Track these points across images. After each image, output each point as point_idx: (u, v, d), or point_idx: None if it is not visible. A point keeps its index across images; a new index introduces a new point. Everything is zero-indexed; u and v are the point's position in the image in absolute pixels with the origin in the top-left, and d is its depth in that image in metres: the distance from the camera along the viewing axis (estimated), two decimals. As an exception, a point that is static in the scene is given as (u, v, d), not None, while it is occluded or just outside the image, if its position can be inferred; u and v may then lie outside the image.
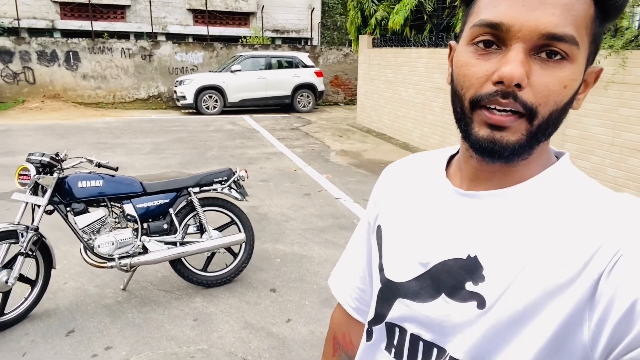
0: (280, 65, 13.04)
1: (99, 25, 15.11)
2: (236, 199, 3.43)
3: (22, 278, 2.88)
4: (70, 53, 12.79)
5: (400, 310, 0.67)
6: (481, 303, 0.58)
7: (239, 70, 12.30)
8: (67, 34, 14.98)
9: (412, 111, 8.53)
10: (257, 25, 18.77)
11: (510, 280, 0.56)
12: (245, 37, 16.33)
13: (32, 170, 2.84)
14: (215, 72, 12.63)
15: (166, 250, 3.15)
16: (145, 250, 3.15)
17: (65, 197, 2.99)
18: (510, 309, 0.55)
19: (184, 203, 3.32)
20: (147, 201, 3.17)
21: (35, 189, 2.92)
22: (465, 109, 0.58)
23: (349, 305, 0.84)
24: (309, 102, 13.15)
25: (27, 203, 2.92)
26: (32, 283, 2.97)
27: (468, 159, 0.64)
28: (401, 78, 8.89)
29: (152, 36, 14.95)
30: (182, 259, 3.25)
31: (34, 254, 2.89)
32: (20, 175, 2.87)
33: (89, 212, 3.07)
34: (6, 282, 2.77)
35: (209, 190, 3.35)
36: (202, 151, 7.87)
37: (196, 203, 3.29)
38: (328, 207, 5.18)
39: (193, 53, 14.02)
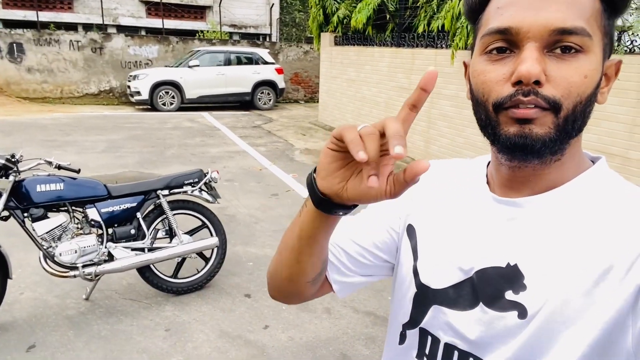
0: (239, 62, 12.79)
1: (45, 16, 14.30)
2: (207, 201, 3.29)
3: (-27, 291, 2.64)
4: (14, 44, 12.02)
5: (436, 317, 0.66)
6: (522, 313, 0.57)
7: (197, 65, 11.98)
8: (10, 24, 14.05)
9: (374, 110, 8.58)
10: (214, 19, 18.35)
11: (552, 288, 0.55)
12: (202, 31, 15.93)
13: (-15, 174, 2.60)
14: (172, 67, 12.23)
15: (133, 257, 2.98)
16: (110, 257, 2.96)
17: (22, 202, 2.76)
18: (552, 317, 0.55)
19: (152, 206, 3.15)
20: (113, 205, 2.98)
21: (-12, 194, 2.68)
22: (490, 114, 0.57)
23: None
24: (270, 100, 12.98)
25: (-22, 209, 2.67)
26: (-16, 296, 2.73)
27: (499, 167, 0.63)
28: (364, 77, 8.91)
29: (102, 28, 14.28)
30: (151, 265, 3.09)
31: (-12, 264, 2.65)
32: (-30, 179, 2.62)
33: (48, 217, 2.85)
34: (-44, 296, 2.53)
35: (179, 193, 3.20)
36: (160, 149, 7.58)
37: (166, 206, 3.13)
38: (297, 207, 5.07)
39: (147, 47, 13.52)
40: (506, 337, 0.58)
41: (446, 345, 0.65)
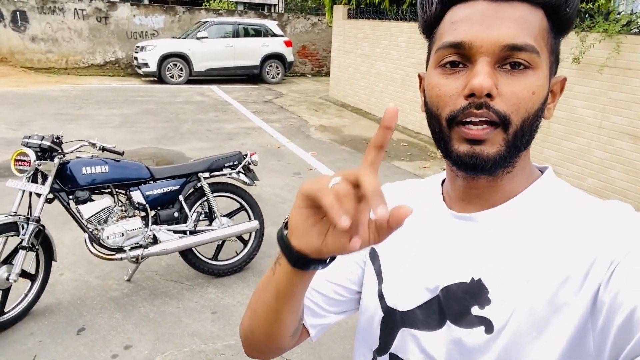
0: (247, 34, 12.55)
1: (47, -18, 13.90)
2: (246, 183, 3.26)
3: (21, 273, 2.63)
4: (17, 12, 11.72)
5: (405, 340, 0.65)
6: (489, 327, 0.57)
7: (206, 37, 11.75)
8: (11, -10, 13.67)
9: (390, 87, 8.47)
10: (219, -12, 17.91)
11: (516, 300, 0.56)
12: (208, 1, 15.55)
13: (32, 156, 2.55)
14: (180, 38, 11.99)
15: (177, 240, 2.97)
16: (154, 240, 2.95)
17: (67, 185, 2.73)
18: (519, 330, 0.55)
19: (192, 189, 3.12)
20: (156, 188, 2.95)
21: (35, 176, 2.64)
22: (443, 128, 0.58)
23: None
24: (278, 73, 12.80)
25: (24, 191, 2.64)
26: (31, 278, 2.72)
27: (454, 179, 0.64)
28: (379, 52, 8.76)
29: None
30: (193, 248, 3.08)
31: (36, 247, 2.63)
32: (17, 161, 2.58)
33: (92, 200, 2.83)
34: (7, 278, 2.52)
35: (219, 176, 3.17)
36: (175, 125, 7.49)
37: (207, 189, 3.11)
38: (321, 187, 5.08)
39: (153, 16, 13.23)
40: (476, 354, 0.58)
41: None
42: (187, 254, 3.09)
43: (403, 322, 0.66)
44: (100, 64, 12.87)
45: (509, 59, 0.55)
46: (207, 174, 3.11)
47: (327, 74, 15.13)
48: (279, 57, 12.66)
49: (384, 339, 0.68)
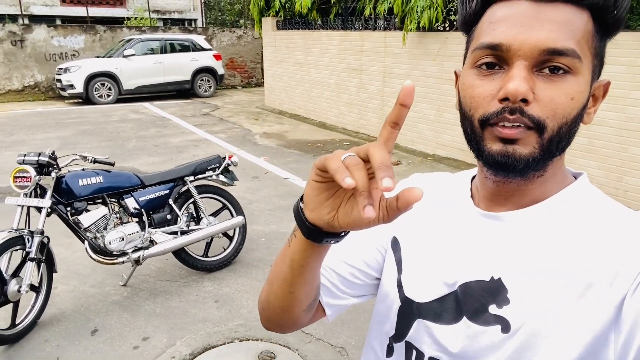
0: (174, 49, 12.55)
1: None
2: (226, 184, 3.54)
3: (27, 286, 2.73)
4: None
5: (420, 331, 0.66)
6: (505, 327, 0.58)
7: (133, 54, 11.61)
8: None
9: (326, 91, 8.98)
10: (135, 5, 17.63)
11: (534, 303, 0.56)
12: (128, 18, 15.28)
13: (32, 172, 2.68)
14: (105, 57, 11.75)
15: (173, 240, 3.19)
16: (151, 242, 3.15)
17: (64, 197, 2.87)
18: (534, 331, 0.56)
19: (179, 193, 3.35)
20: (148, 194, 3.16)
21: (33, 192, 2.76)
22: (475, 129, 0.58)
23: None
24: (210, 87, 12.92)
25: (22, 207, 2.75)
26: (36, 290, 2.82)
27: (484, 181, 0.64)
28: (312, 60, 9.25)
29: (15, 19, 13.26)
30: (185, 247, 3.31)
31: (42, 259, 2.75)
32: (16, 178, 2.69)
33: (88, 210, 2.98)
34: (18, 290, 2.63)
35: (203, 178, 3.42)
36: (119, 143, 7.47)
37: (193, 191, 3.35)
38: (281, 187, 5.42)
39: (72, 37, 12.81)
40: (489, 352, 0.59)
41: (430, 359, 0.65)
42: (181, 253, 3.31)
43: (419, 313, 0.67)
44: (19, 89, 12.24)
45: (548, 63, 0.54)
46: (192, 178, 3.36)
47: (257, 85, 15.47)
48: (209, 70, 12.79)
49: (401, 327, 0.69)
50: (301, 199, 0.57)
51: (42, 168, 2.77)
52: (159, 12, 18.60)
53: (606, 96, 0.63)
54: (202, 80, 12.75)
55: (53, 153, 2.84)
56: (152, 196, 3.17)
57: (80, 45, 12.92)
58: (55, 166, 2.82)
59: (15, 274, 2.68)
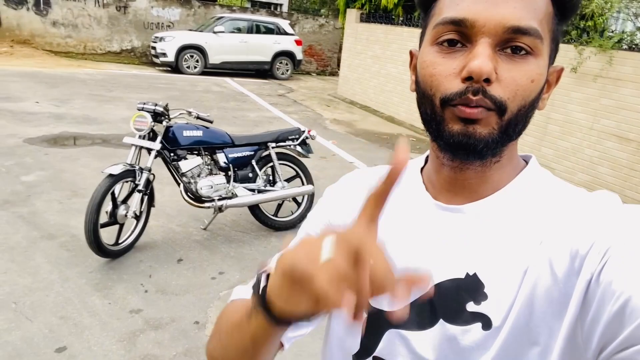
0: (259, 30, 13.17)
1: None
2: (302, 155, 3.93)
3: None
4: (42, -3, 12.17)
5: (393, 342, 0.61)
6: (486, 323, 0.55)
7: (222, 31, 12.33)
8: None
9: (399, 87, 9.19)
10: (228, -15, 18.41)
11: (514, 294, 0.54)
12: (221, -3, 16.11)
13: (149, 118, 3.18)
14: (196, 31, 12.56)
15: (252, 196, 3.62)
16: (233, 194, 3.59)
17: (169, 144, 3.36)
18: (519, 324, 0.53)
19: (261, 156, 3.77)
20: (236, 152, 3.60)
21: (147, 135, 3.26)
22: (436, 109, 0.56)
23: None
24: (287, 70, 13.45)
25: (136, 146, 3.26)
26: (137, 218, 3.34)
27: (440, 168, 0.62)
28: (390, 55, 9.48)
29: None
30: (260, 204, 3.73)
31: (147, 192, 3.26)
32: (136, 121, 3.20)
33: (186, 158, 3.46)
34: (125, 215, 3.14)
35: (283, 146, 3.82)
36: (202, 110, 8.02)
37: (274, 156, 3.76)
38: (347, 169, 5.75)
39: (170, 9, 13.76)
40: (472, 353, 0.56)
41: None
42: (255, 209, 3.74)
43: (391, 322, 0.61)
44: (117, 51, 13.36)
45: (511, 42, 0.53)
46: (273, 144, 3.77)
47: (331, 74, 15.86)
48: (289, 54, 13.32)
49: (368, 341, 0.64)
50: (265, 283, 0.50)
51: (156, 116, 3.27)
52: (248, -7, 19.39)
53: (558, 83, 0.62)
54: (281, 63, 13.30)
55: (167, 105, 3.33)
56: (239, 155, 3.61)
57: (176, 17, 13.85)
58: (166, 116, 3.31)
59: (124, 201, 3.20)
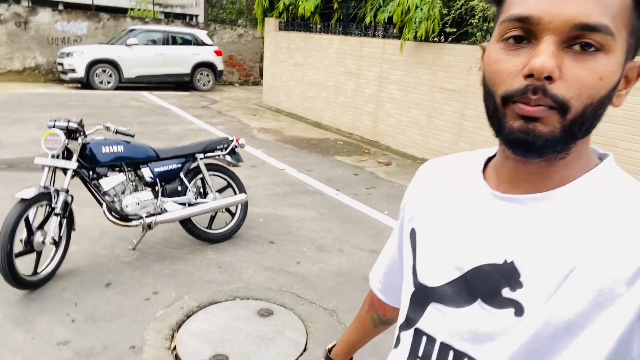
0: (176, 42, 12.82)
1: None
2: (232, 164, 3.86)
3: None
4: None
5: (433, 315, 0.66)
6: (519, 310, 0.57)
7: (135, 44, 11.86)
8: None
9: (323, 93, 9.33)
10: (140, -4, 17.79)
11: (553, 288, 0.54)
12: (132, 8, 15.50)
13: (62, 136, 2.97)
14: (107, 44, 11.97)
15: (182, 210, 3.49)
16: (162, 210, 3.44)
17: (87, 162, 3.15)
18: (554, 319, 0.53)
19: (190, 168, 3.65)
20: (162, 166, 3.46)
21: (61, 154, 3.04)
22: (497, 105, 0.57)
23: (376, 287, 0.94)
24: (209, 81, 13.19)
25: (49, 168, 3.03)
26: (56, 243, 3.09)
27: (505, 160, 0.63)
28: (311, 61, 9.60)
29: (19, 0, 13.42)
30: (192, 218, 3.60)
31: (66, 215, 3.03)
32: (47, 140, 2.97)
33: (108, 176, 3.26)
34: (43, 241, 2.90)
35: (212, 157, 3.73)
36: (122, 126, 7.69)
37: (203, 168, 3.66)
38: (278, 176, 5.74)
39: (76, 23, 13.02)
40: (502, 336, 0.58)
41: (442, 344, 0.65)
42: (187, 223, 3.60)
43: (433, 297, 0.66)
44: (19, 69, 12.40)
45: (579, 39, 0.52)
46: (202, 155, 3.66)
47: (254, 83, 15.78)
48: (209, 65, 13.07)
49: (412, 314, 0.70)
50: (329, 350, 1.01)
51: (70, 133, 3.06)
52: (161, 5, 18.84)
53: None
54: (202, 74, 13.02)
55: (81, 121, 3.13)
56: (165, 168, 3.46)
57: (83, 31, 13.12)
58: (82, 133, 3.11)
59: (41, 227, 2.95)
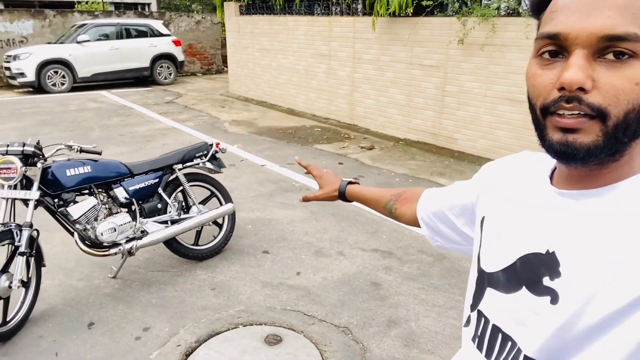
0: (131, 35, 12.09)
1: None
2: (213, 171, 3.51)
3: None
4: None
5: (489, 299, 0.71)
6: (554, 298, 0.59)
7: (87, 40, 11.11)
8: None
9: (294, 78, 8.94)
10: (85, -11, 16.76)
11: (590, 281, 0.56)
12: (79, 2, 14.55)
13: (18, 163, 2.56)
14: (57, 43, 11.17)
15: (165, 230, 3.13)
16: (142, 232, 3.08)
17: (50, 188, 2.76)
18: (586, 310, 0.55)
19: (167, 181, 3.29)
20: (137, 183, 3.08)
21: (19, 183, 2.64)
22: (538, 117, 0.60)
23: (421, 218, 0.99)
24: (170, 74, 12.57)
25: (7, 200, 2.63)
26: (25, 285, 2.70)
27: (559, 163, 0.66)
28: (279, 46, 9.17)
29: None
30: (176, 236, 3.26)
31: (32, 252, 2.65)
32: (0, 169, 2.56)
33: (76, 201, 2.88)
34: (9, 286, 2.52)
35: (191, 166, 3.37)
36: (82, 133, 7.18)
37: (183, 180, 3.30)
38: (260, 174, 5.40)
39: (20, 22, 12.09)
40: (537, 322, 0.61)
41: (493, 326, 0.69)
42: (172, 243, 3.26)
43: (489, 282, 0.71)
44: (-38, 77, 11.46)
45: (611, 48, 0.53)
46: (180, 166, 3.30)
47: (218, 72, 15.18)
48: (169, 57, 12.43)
49: (475, 297, 0.75)
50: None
51: (28, 158, 2.65)
52: (110, -5, 17.81)
53: None
54: (162, 67, 12.38)
55: (38, 143, 2.72)
56: (141, 185, 3.09)
57: (29, 30, 12.22)
58: (40, 156, 2.70)
59: (4, 269, 2.57)
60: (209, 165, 3.46)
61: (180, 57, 12.73)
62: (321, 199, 1.27)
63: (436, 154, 6.18)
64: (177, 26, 14.46)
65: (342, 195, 1.23)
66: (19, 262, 2.55)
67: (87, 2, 14.72)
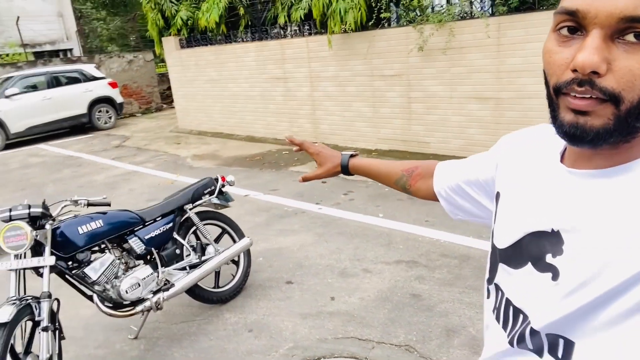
0: (60, 82, 11.41)
1: None
2: (221, 206, 3.32)
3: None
4: None
5: (502, 274, 0.73)
6: (555, 275, 0.60)
7: (16, 93, 10.36)
8: None
9: (250, 104, 8.80)
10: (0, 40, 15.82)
11: (592, 260, 0.56)
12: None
13: (27, 228, 2.27)
14: (-18, 100, 10.32)
15: (189, 276, 2.90)
16: (166, 282, 2.83)
17: (63, 250, 2.47)
18: (588, 289, 0.56)
19: (179, 223, 3.06)
20: (152, 231, 2.83)
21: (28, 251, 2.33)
22: (552, 95, 0.59)
23: (438, 192, 0.99)
24: (110, 117, 11.95)
25: (15, 271, 2.31)
26: (48, 365, 2.38)
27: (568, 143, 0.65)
28: (228, 75, 9.01)
29: None
30: (198, 282, 3.02)
31: (56, 326, 2.33)
32: (7, 238, 2.25)
33: (91, 261, 2.59)
34: (36, 370, 2.20)
35: (201, 204, 3.16)
36: (35, 190, 6.61)
37: (196, 219, 3.08)
38: (247, 204, 5.19)
39: None
40: (542, 298, 0.62)
41: (507, 300, 0.71)
42: (194, 289, 3.01)
43: (501, 257, 0.73)
44: None
45: (630, 30, 0.51)
46: (191, 205, 3.08)
47: (157, 109, 14.69)
48: (107, 100, 11.83)
49: (491, 271, 0.77)
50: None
51: (35, 222, 2.36)
52: (27, 45, 16.82)
53: None
54: (100, 111, 11.75)
55: (44, 202, 2.44)
56: (157, 232, 2.84)
57: (-55, 90, 11.19)
58: (49, 217, 2.42)
59: (27, 350, 2.24)
60: (215, 200, 3.27)
61: (119, 99, 12.17)
62: (322, 176, 1.23)
63: (410, 159, 6.25)
64: (108, 68, 13.85)
65: (345, 170, 1.20)
66: (44, 338, 2.24)
67: (7, 55, 13.78)
